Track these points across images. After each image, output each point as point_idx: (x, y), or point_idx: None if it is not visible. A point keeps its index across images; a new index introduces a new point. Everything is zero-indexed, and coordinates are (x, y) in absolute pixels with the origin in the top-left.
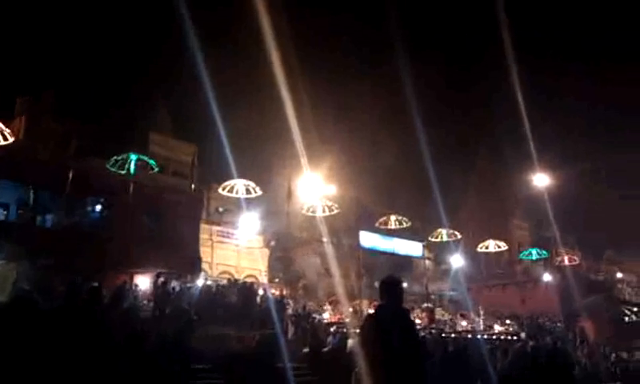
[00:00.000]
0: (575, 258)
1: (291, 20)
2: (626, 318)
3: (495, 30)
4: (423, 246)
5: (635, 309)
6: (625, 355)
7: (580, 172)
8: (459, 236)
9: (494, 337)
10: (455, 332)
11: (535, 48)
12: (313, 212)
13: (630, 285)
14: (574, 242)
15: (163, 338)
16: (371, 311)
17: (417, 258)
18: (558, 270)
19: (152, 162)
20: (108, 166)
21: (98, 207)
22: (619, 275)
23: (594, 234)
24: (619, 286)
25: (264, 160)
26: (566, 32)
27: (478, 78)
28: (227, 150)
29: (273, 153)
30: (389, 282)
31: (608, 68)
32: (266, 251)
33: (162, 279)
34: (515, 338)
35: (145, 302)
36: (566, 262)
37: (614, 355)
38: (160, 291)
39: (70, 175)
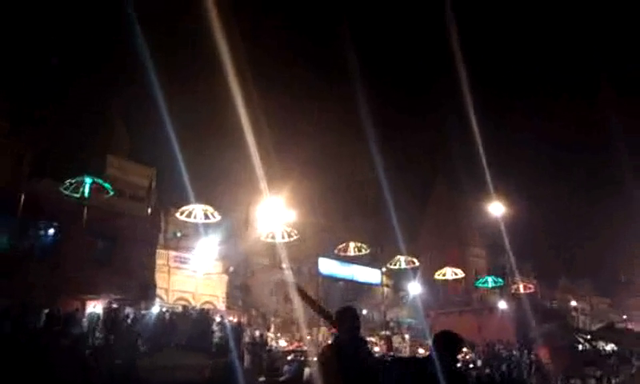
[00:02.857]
0: (531, 285)
1: (251, 42)
2: (580, 346)
3: (450, 63)
4: (382, 272)
5: (588, 337)
6: (579, 382)
7: (535, 202)
8: (417, 263)
9: None
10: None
11: (487, 82)
12: (272, 238)
13: (584, 313)
14: (530, 270)
15: (113, 368)
16: (330, 341)
17: (375, 284)
18: (514, 297)
19: (107, 185)
20: (62, 189)
21: (51, 231)
22: (573, 303)
23: (548, 263)
24: (573, 314)
25: (223, 184)
26: (516, 69)
27: (435, 106)
28: (185, 174)
29: (232, 177)
30: (345, 311)
31: (554, 106)
32: (225, 277)
33: (114, 306)
34: (472, 365)
35: (97, 329)
36: (522, 290)
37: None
38: (111, 318)
39: (22, 198)
